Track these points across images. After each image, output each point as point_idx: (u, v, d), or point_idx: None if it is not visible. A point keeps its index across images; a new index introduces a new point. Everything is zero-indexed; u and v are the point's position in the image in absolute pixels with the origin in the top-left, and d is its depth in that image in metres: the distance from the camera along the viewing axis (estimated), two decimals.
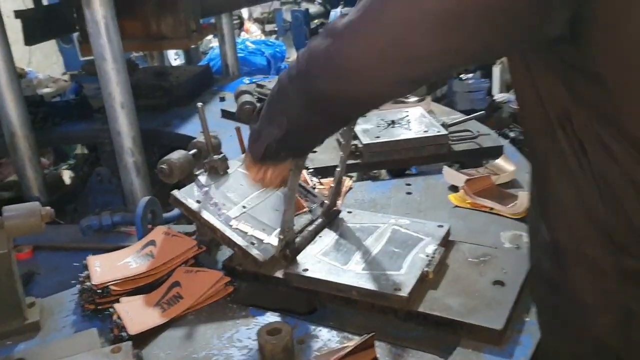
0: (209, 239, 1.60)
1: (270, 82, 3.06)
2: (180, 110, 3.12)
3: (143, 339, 1.29)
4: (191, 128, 2.84)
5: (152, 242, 1.56)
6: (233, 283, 1.44)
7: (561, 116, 0.92)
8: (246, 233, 1.52)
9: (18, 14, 2.99)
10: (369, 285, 1.34)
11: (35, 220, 1.34)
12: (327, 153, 2.22)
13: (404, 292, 1.30)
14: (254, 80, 3.50)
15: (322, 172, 2.07)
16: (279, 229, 1.49)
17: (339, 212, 1.68)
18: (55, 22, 3.18)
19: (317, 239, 1.55)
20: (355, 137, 2.18)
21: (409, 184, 2.01)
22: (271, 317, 1.36)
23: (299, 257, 1.46)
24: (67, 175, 4.25)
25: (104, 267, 1.46)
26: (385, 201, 1.92)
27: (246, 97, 2.08)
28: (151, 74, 3.44)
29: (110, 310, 1.36)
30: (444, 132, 2.13)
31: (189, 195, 1.55)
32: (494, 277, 1.39)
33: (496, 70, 6.09)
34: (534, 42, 0.90)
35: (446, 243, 1.53)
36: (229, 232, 1.49)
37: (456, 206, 1.84)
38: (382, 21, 0.93)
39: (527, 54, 0.95)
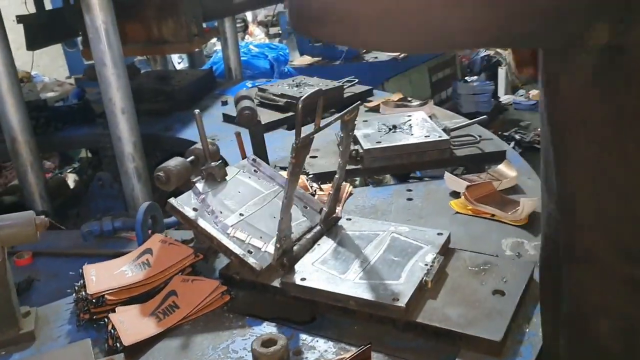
0: (207, 247, 1.58)
1: (272, 86, 3.05)
2: (182, 114, 3.11)
3: (138, 350, 1.28)
4: (193, 133, 2.83)
5: (149, 251, 1.55)
6: (230, 292, 1.43)
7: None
8: (243, 241, 1.50)
9: (20, 19, 2.99)
10: (366, 295, 1.32)
11: (29, 229, 1.33)
12: (327, 158, 2.21)
13: (402, 303, 1.28)
14: (256, 84, 3.50)
15: (322, 177, 2.06)
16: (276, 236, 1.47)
17: (338, 219, 1.66)
18: (57, 27, 3.18)
19: (315, 247, 1.53)
20: (356, 142, 2.17)
21: (410, 190, 1.99)
22: (268, 328, 1.34)
23: (297, 266, 1.45)
24: (71, 179, 4.26)
25: (100, 276, 1.45)
26: (386, 207, 1.90)
27: (246, 103, 2.06)
28: (153, 78, 3.44)
29: (106, 320, 1.34)
30: (445, 137, 2.11)
31: (185, 203, 1.53)
32: (494, 287, 1.37)
33: (501, 72, 6.06)
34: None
35: (446, 251, 1.51)
36: (225, 241, 1.47)
37: (457, 212, 1.82)
38: None
39: None
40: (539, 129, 3.66)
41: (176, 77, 3.49)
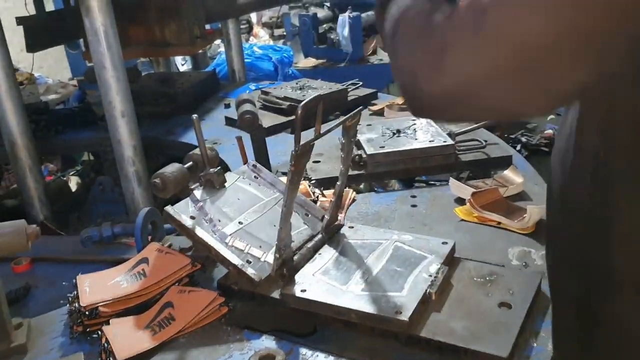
0: (205, 255, 1.54)
1: (275, 89, 3.01)
2: (184, 117, 3.08)
3: None
4: (193, 136, 2.78)
5: (145, 260, 1.51)
6: (228, 304, 1.39)
7: None
8: (242, 251, 1.46)
9: (20, 20, 2.96)
10: (368, 307, 1.27)
11: (20, 239, 1.29)
12: (330, 163, 2.17)
13: (405, 316, 1.24)
14: (260, 87, 3.46)
15: (324, 183, 2.01)
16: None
17: (340, 226, 1.62)
18: (58, 29, 3.15)
19: (316, 257, 1.49)
20: (360, 147, 2.12)
21: (414, 196, 1.95)
22: (267, 341, 1.30)
23: (297, 276, 1.40)
24: (74, 182, 4.23)
25: (94, 287, 1.41)
26: (389, 214, 1.86)
27: (247, 107, 2.02)
28: (155, 80, 3.41)
29: (99, 332, 1.30)
30: (450, 142, 2.06)
31: (183, 211, 1.49)
32: (500, 299, 1.32)
33: None
34: None
35: (451, 261, 1.46)
36: (223, 250, 1.43)
37: (462, 220, 1.78)
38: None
39: None
40: (546, 132, 3.59)
41: (178, 79, 3.45)
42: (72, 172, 4.33)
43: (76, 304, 1.37)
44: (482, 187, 1.89)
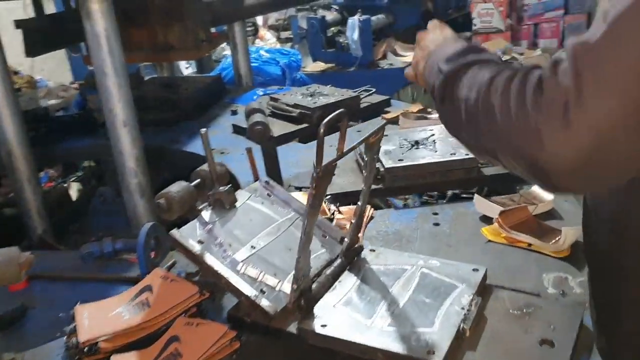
0: (214, 281, 1.42)
1: (285, 95, 2.88)
2: (189, 124, 2.96)
3: None
4: (200, 145, 2.65)
5: (148, 288, 1.38)
6: (239, 337, 1.26)
7: None
8: (255, 279, 1.33)
9: (19, 23, 2.84)
10: (397, 346, 1.15)
11: (12, 270, 1.17)
12: (345, 176, 2.04)
13: (439, 357, 1.11)
14: (267, 92, 3.33)
15: (340, 198, 1.89)
16: (292, 273, 1.31)
17: (360, 249, 1.49)
18: (58, 32, 3.02)
19: (336, 285, 1.36)
20: (377, 160, 2.00)
21: (436, 213, 1.82)
22: None
23: (316, 308, 1.28)
24: (75, 188, 4.11)
25: (93, 320, 1.29)
26: (410, 233, 1.73)
27: (257, 117, 1.90)
28: (159, 85, 3.28)
29: None
30: (472, 155, 1.93)
31: (190, 235, 1.37)
32: (540, 335, 1.20)
33: None
34: None
35: (483, 290, 1.34)
36: (235, 279, 1.31)
37: (490, 241, 1.65)
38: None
39: None
40: None
41: (183, 84, 3.32)
42: (73, 178, 4.20)
43: (74, 339, 1.25)
44: (510, 205, 1.77)
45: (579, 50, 0.73)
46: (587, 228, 1.12)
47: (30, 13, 3.08)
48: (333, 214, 1.81)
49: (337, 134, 2.57)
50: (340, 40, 4.61)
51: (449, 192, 2.33)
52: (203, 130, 1.43)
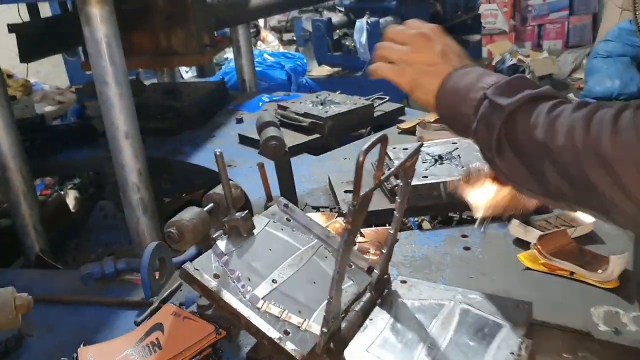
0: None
1: (294, 103, 2.75)
2: (192, 134, 2.82)
3: None
4: (205, 157, 2.54)
5: (159, 327, 1.25)
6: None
7: None
8: (278, 318, 1.19)
9: (12, 28, 2.69)
10: None
11: (7, 314, 1.03)
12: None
13: None
14: (274, 99, 3.20)
15: None
16: (319, 309, 1.19)
17: (389, 281, 1.36)
18: (55, 37, 2.88)
19: (367, 323, 1.23)
20: (398, 176, 1.86)
21: (465, 236, 1.69)
22: None
23: (347, 352, 1.15)
24: (72, 196, 3.97)
25: None
26: (440, 259, 1.60)
27: (271, 131, 1.76)
28: (160, 92, 3.14)
29: None
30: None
31: (205, 269, 1.23)
32: None
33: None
34: None
35: (529, 328, 1.20)
36: (256, 319, 1.17)
37: (527, 268, 1.52)
38: None
39: None
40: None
41: (185, 90, 3.18)
42: (70, 186, 4.06)
43: None
44: (545, 227, 1.64)
45: None
46: None
47: (25, 16, 2.93)
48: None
49: (350, 145, 2.44)
50: (347, 43, 4.47)
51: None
52: (218, 150, 1.29)
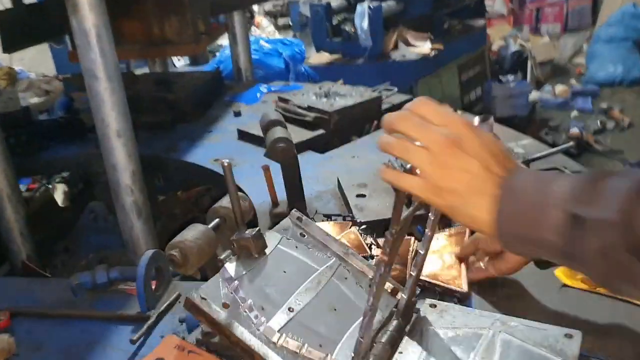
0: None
1: (296, 95, 2.59)
2: (187, 128, 2.65)
3: None
4: (201, 154, 2.37)
5: None
6: None
7: None
8: (297, 353, 1.05)
9: None
10: None
11: None
12: (379, 198, 1.75)
13: None
14: (272, 89, 3.04)
15: (377, 227, 1.60)
16: (342, 341, 1.05)
17: (415, 304, 1.21)
18: (40, 25, 2.69)
19: (396, 357, 1.08)
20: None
21: None
22: None
23: None
24: (60, 190, 3.80)
25: None
26: None
27: (278, 132, 1.61)
28: (152, 83, 2.96)
29: None
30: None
31: (212, 297, 1.08)
32: None
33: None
34: None
35: None
36: (272, 356, 1.02)
37: (565, 285, 1.37)
38: None
39: None
40: (572, 130, 3.42)
41: (179, 81, 3.00)
42: (58, 179, 3.89)
43: None
44: None
45: None
46: None
47: (6, 3, 2.74)
48: (370, 247, 1.52)
49: (358, 142, 2.26)
50: (347, 28, 4.29)
51: None
52: (226, 161, 1.13)
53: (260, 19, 6.00)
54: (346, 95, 2.48)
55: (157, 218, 2.50)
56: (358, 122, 2.41)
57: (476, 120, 2.22)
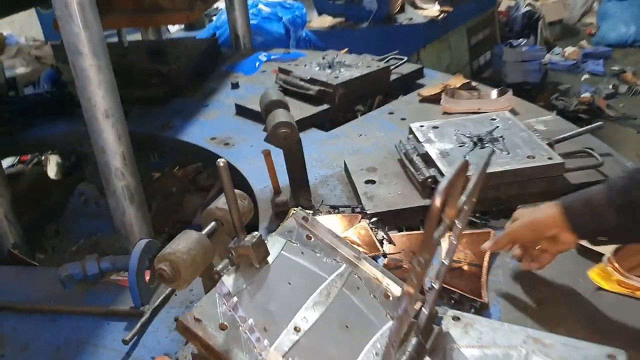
0: None
1: (298, 65, 2.42)
2: (182, 103, 2.49)
3: None
4: (197, 132, 2.22)
5: None
6: None
7: None
8: None
9: None
10: None
11: None
12: (390, 186, 1.61)
13: None
14: (272, 57, 2.87)
15: (388, 219, 1.46)
16: None
17: (436, 315, 1.08)
18: None
19: None
20: (431, 164, 1.57)
21: None
22: None
23: None
24: (53, 162, 3.65)
25: None
26: (490, 276, 1.32)
27: (280, 115, 1.45)
28: (144, 53, 2.78)
29: None
30: (559, 159, 1.51)
31: (207, 317, 0.95)
32: None
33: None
34: None
35: None
36: None
37: (600, 288, 1.24)
38: None
39: None
40: (582, 95, 3.33)
41: (173, 50, 2.82)
42: (50, 152, 3.74)
43: None
44: None
45: None
46: None
47: None
48: (382, 243, 1.38)
49: (365, 118, 2.10)
50: None
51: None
52: (221, 161, 0.98)
53: None
54: (352, 66, 2.31)
55: (152, 198, 2.37)
56: (365, 95, 2.25)
57: (494, 93, 2.06)
